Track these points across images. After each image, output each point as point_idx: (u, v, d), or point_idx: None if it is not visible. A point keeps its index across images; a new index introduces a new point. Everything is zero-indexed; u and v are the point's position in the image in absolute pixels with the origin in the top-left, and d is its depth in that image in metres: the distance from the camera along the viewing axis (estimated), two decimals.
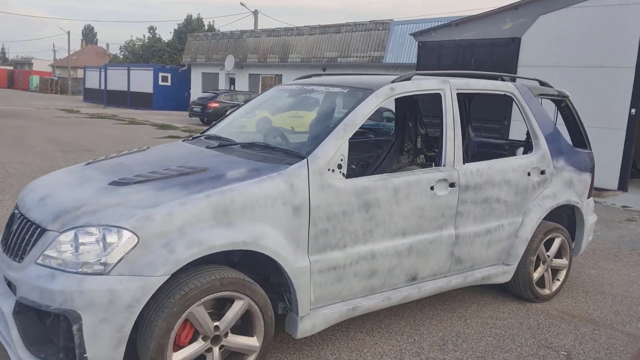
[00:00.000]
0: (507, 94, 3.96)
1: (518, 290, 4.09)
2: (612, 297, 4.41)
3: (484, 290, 4.33)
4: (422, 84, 3.46)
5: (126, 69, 32.48)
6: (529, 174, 3.87)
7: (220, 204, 2.51)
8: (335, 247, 2.93)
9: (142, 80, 30.65)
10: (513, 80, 4.24)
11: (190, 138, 3.75)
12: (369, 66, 20.69)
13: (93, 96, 35.90)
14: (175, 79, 30.51)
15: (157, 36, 42.36)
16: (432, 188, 3.30)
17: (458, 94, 3.66)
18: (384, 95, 3.23)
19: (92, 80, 36.30)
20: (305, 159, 2.84)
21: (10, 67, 65.36)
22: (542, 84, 4.42)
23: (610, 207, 8.41)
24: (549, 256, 4.14)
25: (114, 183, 2.71)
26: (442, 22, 16.23)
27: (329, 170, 2.88)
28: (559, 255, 4.26)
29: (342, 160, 2.94)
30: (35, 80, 51.83)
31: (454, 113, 3.52)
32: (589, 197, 4.46)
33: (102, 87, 34.14)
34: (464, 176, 3.46)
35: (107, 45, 75.87)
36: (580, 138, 4.57)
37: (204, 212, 2.46)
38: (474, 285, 3.81)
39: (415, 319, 3.72)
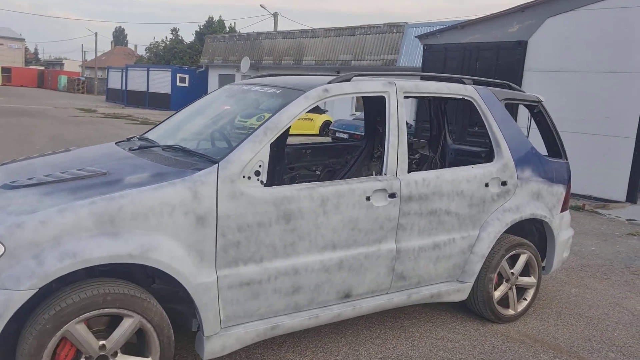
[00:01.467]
0: (466, 98, 3.66)
1: (478, 309, 3.79)
2: (587, 320, 4.06)
3: (444, 307, 4.03)
4: (362, 86, 3.21)
5: (145, 70, 32.89)
6: (486, 185, 3.56)
7: (106, 212, 2.31)
8: (249, 260, 2.69)
9: (161, 81, 30.99)
10: (478, 83, 3.94)
11: (125, 139, 3.58)
12: (382, 69, 20.39)
13: (115, 96, 36.43)
14: (193, 80, 30.72)
15: (179, 38, 42.73)
16: (368, 198, 3.04)
17: (408, 97, 3.39)
18: (316, 97, 2.99)
19: (115, 81, 36.83)
20: (216, 165, 2.62)
21: (42, 67, 67.07)
22: (511, 88, 4.11)
23: (614, 219, 7.94)
24: (513, 274, 3.82)
25: (5, 186, 2.54)
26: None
27: (243, 177, 2.65)
28: (526, 273, 3.93)
29: (260, 166, 2.71)
30: (63, 80, 52.95)
31: (399, 118, 3.26)
32: (563, 211, 4.12)
33: (123, 88, 34.64)
34: (407, 186, 3.19)
35: (135, 46, 77.10)
36: (555, 147, 4.23)
37: (85, 221, 2.26)
38: (428, 303, 3.53)
39: (358, 337, 3.45)
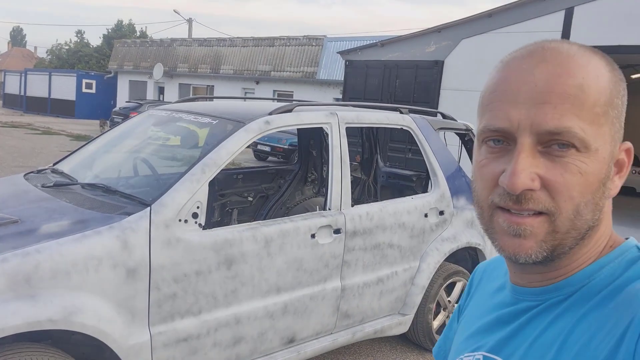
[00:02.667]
0: (404, 127, 3.63)
1: (418, 340, 3.75)
2: None
3: (383, 340, 3.96)
4: (305, 117, 3.06)
5: (47, 74, 30.49)
6: (425, 215, 3.54)
7: (21, 271, 1.97)
8: (186, 313, 2.43)
9: (65, 87, 28.82)
10: (414, 112, 3.93)
11: (35, 171, 3.16)
12: (302, 82, 20.41)
13: (12, 102, 33.52)
14: (100, 86, 28.88)
15: (85, 41, 40.28)
16: (313, 236, 2.88)
17: (347, 128, 3.29)
18: (257, 129, 2.79)
19: (12, 85, 33.91)
20: (148, 208, 2.35)
21: None
22: (444, 116, 4.15)
23: None
24: (450, 302, 3.83)
25: None
26: (373, 40, 16.22)
27: (179, 221, 2.40)
28: None
29: (198, 208, 2.47)
30: None
31: (342, 150, 3.14)
32: None
33: (22, 93, 31.93)
34: (352, 221, 3.07)
35: (35, 48, 71.47)
36: None
37: None
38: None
39: None
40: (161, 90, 26.54)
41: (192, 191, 2.45)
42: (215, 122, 2.95)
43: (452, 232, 3.73)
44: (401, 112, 3.71)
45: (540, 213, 0.61)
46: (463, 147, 4.31)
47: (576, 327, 0.62)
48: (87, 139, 17.01)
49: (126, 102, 23.32)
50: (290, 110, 3.02)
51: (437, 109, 9.99)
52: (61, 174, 2.98)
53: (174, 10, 29.42)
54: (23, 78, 31.88)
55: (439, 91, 10.65)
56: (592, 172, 0.61)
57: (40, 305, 1.98)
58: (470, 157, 4.31)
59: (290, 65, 20.82)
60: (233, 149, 2.67)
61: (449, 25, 10.49)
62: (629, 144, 0.68)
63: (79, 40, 40.21)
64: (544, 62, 0.62)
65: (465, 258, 4.21)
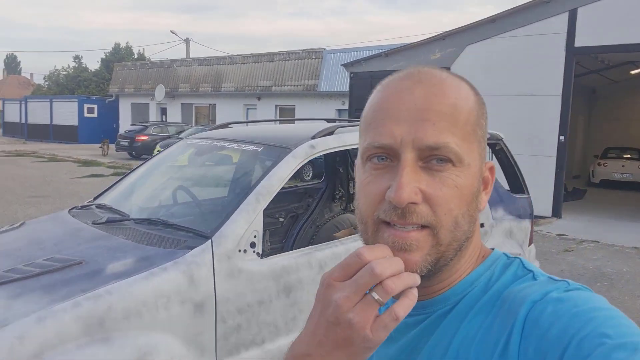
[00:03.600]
0: None
1: None
2: None
3: None
4: (347, 139, 3.06)
5: (49, 101, 30.77)
6: None
7: (94, 314, 1.96)
8: (251, 344, 2.42)
9: (67, 113, 29.02)
10: None
11: (79, 207, 3.15)
12: (303, 95, 20.49)
13: (13, 130, 33.74)
14: (102, 110, 29.07)
15: (83, 65, 40.52)
16: None
17: None
18: (304, 154, 2.80)
19: (12, 114, 34.08)
20: (209, 241, 2.34)
21: None
22: None
23: (547, 235, 8.38)
24: None
25: None
26: (374, 51, 16.31)
27: (239, 251, 2.39)
28: None
29: (255, 237, 2.46)
30: None
31: None
32: (530, 244, 4.21)
33: (23, 121, 32.12)
34: None
35: (31, 74, 71.71)
36: (517, 183, 4.32)
37: (70, 328, 1.89)
38: None
39: None
40: (163, 111, 26.67)
41: (249, 221, 2.45)
42: (260, 149, 2.96)
43: (493, 244, 3.72)
44: None
45: (423, 227, 0.64)
46: (494, 157, 4.32)
47: (458, 332, 0.66)
48: (95, 164, 17.07)
49: (131, 125, 23.41)
50: (332, 133, 3.03)
51: None
52: (109, 209, 2.97)
53: (171, 31, 29.62)
54: (23, 106, 32.11)
55: None
56: (466, 185, 0.65)
57: (115, 348, 1.97)
58: (503, 167, 4.32)
59: (290, 79, 20.93)
60: (283, 176, 2.67)
61: (453, 32, 10.56)
62: (491, 163, 0.73)
63: (77, 65, 40.42)
64: (420, 83, 0.66)
65: None
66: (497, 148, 4.28)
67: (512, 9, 9.89)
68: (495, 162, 4.30)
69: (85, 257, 2.29)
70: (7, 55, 78.89)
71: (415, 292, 0.59)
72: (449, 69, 10.63)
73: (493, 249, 0.76)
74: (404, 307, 0.57)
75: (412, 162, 0.63)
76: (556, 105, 9.37)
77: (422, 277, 0.64)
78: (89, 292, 2.01)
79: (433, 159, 0.63)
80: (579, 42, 9.20)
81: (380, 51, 12.44)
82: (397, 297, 0.59)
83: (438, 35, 10.78)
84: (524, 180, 4.33)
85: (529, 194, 4.31)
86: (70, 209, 3.14)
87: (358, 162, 0.71)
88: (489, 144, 4.23)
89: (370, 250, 0.59)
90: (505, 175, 4.37)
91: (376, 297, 0.56)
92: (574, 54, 9.28)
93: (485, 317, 0.65)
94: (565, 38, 9.34)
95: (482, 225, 3.65)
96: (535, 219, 9.15)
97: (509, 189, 4.33)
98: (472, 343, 0.64)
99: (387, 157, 0.65)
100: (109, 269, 2.18)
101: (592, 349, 0.53)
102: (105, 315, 1.98)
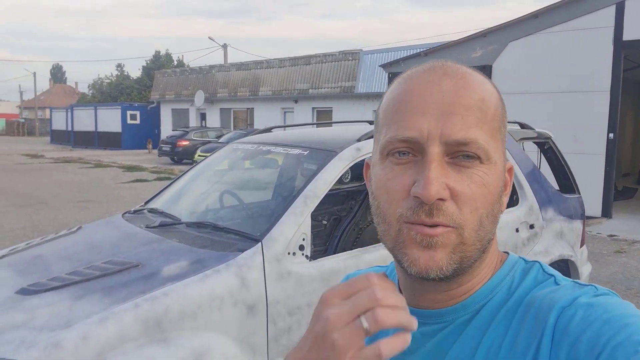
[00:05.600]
0: None
1: None
2: None
3: None
4: None
5: (93, 109, 32.03)
6: (517, 230, 3.45)
7: (152, 316, 2.01)
8: None
9: (110, 119, 30.13)
10: None
11: (132, 211, 3.25)
12: (341, 97, 20.50)
13: (60, 138, 35.16)
14: (144, 116, 30.02)
15: (125, 73, 41.96)
16: None
17: None
18: (350, 157, 2.80)
19: (59, 122, 35.58)
20: (259, 244, 2.37)
21: None
22: (522, 126, 4.03)
23: (597, 236, 8.09)
24: None
25: (22, 291, 2.18)
26: (411, 50, 16.16)
27: (288, 254, 2.42)
28: None
29: (304, 240, 2.48)
30: (1, 123, 51.02)
31: None
32: (582, 246, 4.07)
33: (69, 129, 33.50)
34: None
35: (76, 83, 75.41)
36: (567, 182, 4.19)
37: (130, 329, 1.95)
38: None
39: None
40: (203, 117, 27.19)
41: (298, 224, 2.47)
42: (306, 152, 2.98)
43: (543, 246, 3.62)
44: None
45: (448, 225, 0.61)
46: (543, 157, 4.21)
47: (483, 341, 0.63)
48: (139, 169, 17.56)
49: (173, 130, 24.03)
50: None
51: None
52: (161, 213, 3.05)
53: (209, 37, 30.21)
54: (69, 114, 33.43)
55: None
56: (492, 183, 0.63)
57: (172, 349, 2.02)
58: (552, 167, 4.20)
59: (327, 81, 20.98)
60: (330, 179, 2.69)
61: (495, 29, 10.36)
62: (510, 164, 0.71)
63: (119, 73, 41.76)
64: (447, 76, 0.63)
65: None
66: (546, 147, 4.16)
67: (556, 3, 9.61)
68: (544, 162, 4.22)
69: (141, 260, 2.36)
70: (53, 66, 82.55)
71: (408, 338, 0.54)
72: (491, 67, 10.47)
73: (508, 253, 0.74)
74: (390, 347, 0.53)
75: (439, 156, 0.60)
76: (604, 101, 9.05)
77: (446, 278, 0.62)
78: (147, 293, 2.07)
79: (460, 154, 0.61)
80: (627, 36, 8.86)
81: (418, 50, 12.32)
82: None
83: (479, 32, 10.58)
84: (574, 180, 4.19)
85: (579, 194, 4.17)
86: (123, 214, 3.24)
87: (374, 158, 0.67)
88: (537, 143, 4.14)
89: (381, 278, 0.56)
90: (554, 175, 4.25)
91: (365, 324, 0.52)
92: (622, 47, 8.94)
93: (510, 325, 0.63)
94: (612, 31, 9.01)
95: (532, 226, 3.57)
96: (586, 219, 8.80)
97: (558, 189, 4.21)
98: (499, 351, 0.62)
99: (410, 151, 0.62)
100: (165, 272, 2.24)
101: (627, 357, 0.51)
102: (163, 316, 2.03)
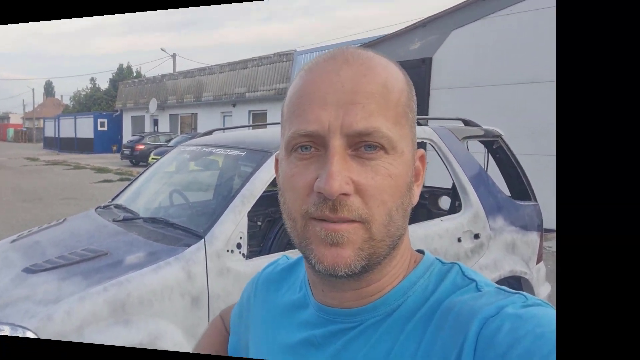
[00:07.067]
0: (425, 140, 3.17)
1: None
2: None
3: None
4: None
5: (73, 118, 35.66)
6: (459, 240, 3.09)
7: (118, 299, 2.27)
8: None
9: (86, 127, 33.57)
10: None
11: (102, 206, 3.54)
12: (275, 99, 20.23)
13: (50, 144, 39.11)
14: (111, 123, 32.94)
15: (97, 86, 46.99)
16: None
17: None
18: None
19: (50, 130, 39.70)
20: (202, 240, 2.56)
21: None
22: (466, 123, 3.57)
23: (554, 254, 7.34)
24: None
25: (26, 270, 2.51)
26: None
27: (227, 251, 2.50)
28: None
29: (241, 238, 2.63)
30: (11, 132, 60.98)
31: None
32: (538, 262, 3.55)
33: (57, 135, 37.31)
34: None
35: (61, 96, 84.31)
36: (521, 187, 3.61)
37: (102, 309, 2.23)
38: None
39: None
40: (156, 122, 28.78)
41: (236, 222, 2.63)
42: (243, 153, 3.09)
43: (491, 259, 3.21)
44: (419, 124, 3.26)
45: (354, 220, 0.58)
46: (491, 158, 3.67)
47: (395, 346, 0.60)
48: (106, 171, 19.36)
49: (132, 135, 25.98)
50: None
51: (427, 112, 9.09)
52: (124, 209, 3.31)
53: (161, 49, 31.61)
54: (57, 123, 37.50)
55: (428, 92, 9.22)
56: (400, 174, 0.59)
57: (134, 330, 2.27)
58: (502, 170, 3.70)
59: (263, 84, 20.90)
60: (266, 178, 2.79)
61: (436, 17, 9.11)
62: (422, 151, 0.67)
63: (92, 86, 47.02)
64: (347, 63, 0.60)
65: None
66: (495, 147, 3.60)
67: None
68: (493, 164, 3.65)
69: (109, 249, 2.62)
70: (45, 82, 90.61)
71: None
72: (431, 59, 9.19)
73: (423, 252, 0.69)
74: None
75: (341, 149, 0.57)
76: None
77: (354, 275, 0.59)
78: (114, 279, 2.34)
79: (362, 145, 0.58)
80: None
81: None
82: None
83: (418, 22, 9.24)
84: (530, 185, 3.61)
85: (536, 201, 3.59)
86: (95, 208, 3.51)
87: (281, 155, 0.65)
88: (484, 143, 3.67)
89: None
90: (505, 178, 3.68)
91: None
92: None
93: (425, 331, 0.59)
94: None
95: (477, 236, 3.19)
96: (545, 232, 7.60)
97: (510, 195, 3.65)
98: (414, 359, 0.58)
99: (313, 146, 0.59)
100: (127, 261, 2.50)
101: None
102: (126, 300, 2.30)
